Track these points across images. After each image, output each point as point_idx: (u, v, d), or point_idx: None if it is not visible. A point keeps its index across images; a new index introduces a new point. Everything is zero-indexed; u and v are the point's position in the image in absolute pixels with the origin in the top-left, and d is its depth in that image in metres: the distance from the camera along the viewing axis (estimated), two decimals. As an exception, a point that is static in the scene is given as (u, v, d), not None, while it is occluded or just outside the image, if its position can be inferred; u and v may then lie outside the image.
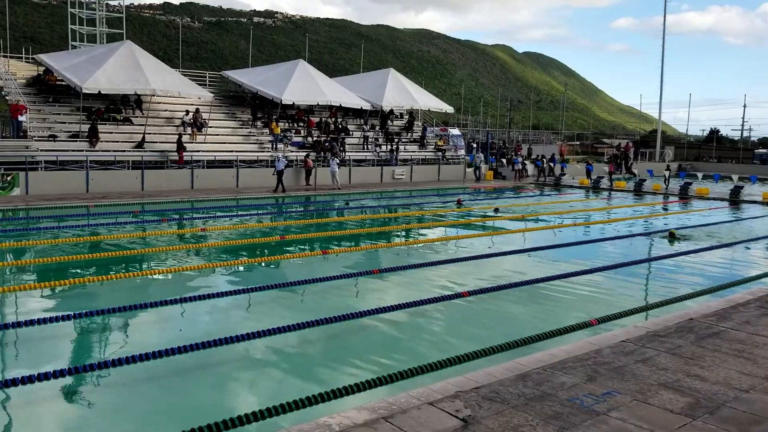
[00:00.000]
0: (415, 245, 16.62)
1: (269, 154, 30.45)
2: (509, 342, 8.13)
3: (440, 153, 37.94)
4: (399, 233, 18.29)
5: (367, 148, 34.87)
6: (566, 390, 6.18)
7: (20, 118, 25.14)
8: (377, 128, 37.47)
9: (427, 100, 39.55)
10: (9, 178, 22.63)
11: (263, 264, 14.04)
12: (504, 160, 41.52)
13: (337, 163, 29.95)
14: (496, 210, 22.94)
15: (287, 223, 19.80)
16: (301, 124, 34.55)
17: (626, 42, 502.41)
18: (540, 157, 43.53)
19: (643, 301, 11.17)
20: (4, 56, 30.35)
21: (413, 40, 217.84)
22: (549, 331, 8.65)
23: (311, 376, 7.54)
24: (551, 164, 39.55)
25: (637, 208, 26.72)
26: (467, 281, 12.28)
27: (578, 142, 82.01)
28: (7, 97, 27.72)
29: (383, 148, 35.17)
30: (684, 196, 31.27)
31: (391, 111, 39.17)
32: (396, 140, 36.40)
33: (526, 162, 40.47)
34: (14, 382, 6.68)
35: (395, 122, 39.85)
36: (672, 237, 17.57)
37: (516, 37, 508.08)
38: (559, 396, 6.03)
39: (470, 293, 11.01)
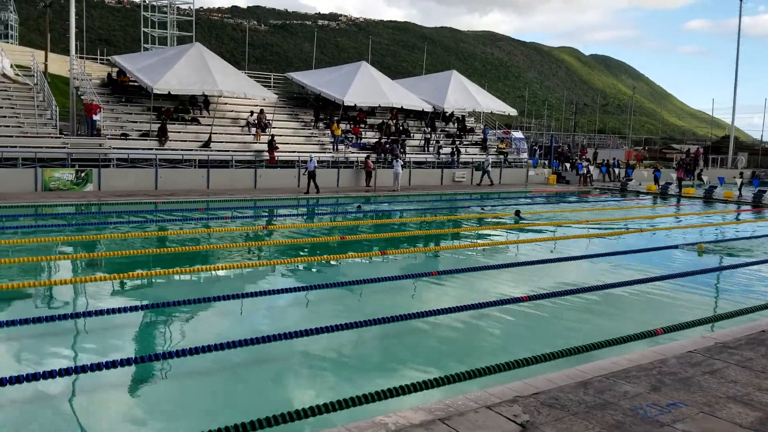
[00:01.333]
0: (473, 248, 16.46)
1: (330, 155, 30.79)
2: (569, 348, 7.93)
3: (502, 156, 37.50)
4: (457, 236, 18.15)
5: (428, 150, 34.80)
6: (629, 399, 5.98)
7: (94, 117, 26.21)
8: (438, 130, 37.34)
9: (489, 103, 39.17)
10: (83, 175, 23.62)
11: (322, 263, 14.17)
12: (568, 165, 40.71)
13: (401, 165, 29.94)
14: (518, 213, 21.54)
15: (346, 224, 19.93)
16: (362, 126, 34.77)
17: (698, 44, 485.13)
18: (605, 162, 42.51)
19: (710, 312, 10.72)
20: (80, 57, 31.69)
21: (477, 42, 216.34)
22: (611, 339, 8.40)
23: (365, 375, 7.55)
24: (617, 169, 38.56)
25: (707, 216, 25.72)
26: (526, 286, 12.06)
27: (646, 147, 79.61)
28: (82, 97, 28.96)
29: (444, 150, 35.01)
30: (758, 204, 29.91)
31: (453, 113, 38.97)
32: (457, 143, 36.18)
33: (591, 166, 39.55)
34: (83, 369, 6.93)
35: (457, 124, 39.62)
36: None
37: (582, 39, 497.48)
38: (622, 405, 5.84)
39: (530, 298, 10.82)
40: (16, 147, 23.47)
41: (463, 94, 37.56)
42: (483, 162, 34.32)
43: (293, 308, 10.40)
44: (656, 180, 36.62)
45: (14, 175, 22.60)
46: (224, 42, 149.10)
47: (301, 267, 13.67)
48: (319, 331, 8.40)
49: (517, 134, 41.70)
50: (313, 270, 13.57)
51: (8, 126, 24.72)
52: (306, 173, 26.77)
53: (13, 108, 25.93)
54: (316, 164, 26.75)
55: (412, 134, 35.72)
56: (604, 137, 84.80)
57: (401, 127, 35.41)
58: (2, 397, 6.42)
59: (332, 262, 14.26)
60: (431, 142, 35.26)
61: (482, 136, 38.73)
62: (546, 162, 40.67)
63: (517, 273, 13.39)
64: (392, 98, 33.73)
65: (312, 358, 8.04)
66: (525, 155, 39.62)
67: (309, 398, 6.63)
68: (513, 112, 41.08)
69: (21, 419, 6.29)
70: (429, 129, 36.61)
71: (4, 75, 25.23)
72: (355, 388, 6.80)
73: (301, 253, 14.92)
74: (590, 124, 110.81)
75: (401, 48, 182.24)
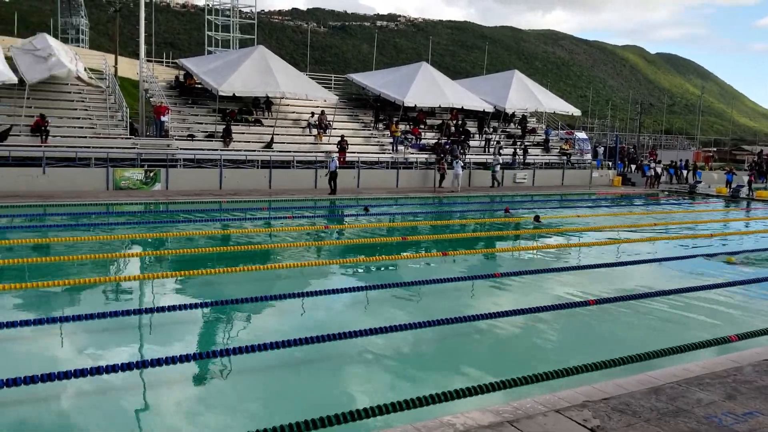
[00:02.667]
0: (536, 250, 16.18)
1: (390, 155, 30.85)
2: (639, 354, 7.71)
3: (565, 157, 36.79)
4: (519, 237, 17.88)
5: (488, 151, 34.46)
6: (703, 407, 5.76)
7: (163, 119, 27.05)
8: (499, 131, 36.93)
9: (552, 103, 38.49)
10: (152, 174, 24.41)
11: (382, 263, 14.19)
12: (633, 166, 39.60)
13: (462, 166, 29.63)
14: (537, 218, 19.94)
15: (406, 224, 19.92)
16: (422, 126, 34.71)
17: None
18: (672, 164, 41.19)
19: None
20: (148, 61, 32.74)
21: (538, 41, 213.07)
22: (682, 345, 8.10)
23: (424, 376, 7.50)
24: (684, 171, 37.29)
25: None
26: (593, 289, 11.77)
27: (715, 149, 76.72)
28: (151, 99, 29.95)
29: (504, 151, 34.60)
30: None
31: (514, 114, 38.49)
32: (519, 143, 35.70)
33: (658, 169, 38.35)
34: (144, 364, 7.18)
35: (518, 125, 39.11)
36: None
37: (649, 37, 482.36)
38: (696, 413, 5.62)
39: (597, 302, 10.56)
40: (89, 147, 24.45)
41: (525, 93, 37.02)
42: (493, 162, 32.47)
43: (351, 307, 10.45)
44: (727, 183, 35.24)
45: (88, 174, 23.55)
46: (284, 44, 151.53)
47: (360, 266, 13.73)
48: (376, 331, 8.40)
49: (581, 135, 40.83)
50: (374, 270, 13.60)
51: (82, 127, 25.78)
52: (327, 173, 26.22)
53: (86, 110, 27.03)
54: (338, 164, 26.29)
55: (472, 135, 35.43)
56: (670, 138, 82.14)
57: (461, 128, 35.17)
58: (68, 389, 6.64)
59: (392, 263, 14.27)
60: (492, 142, 34.89)
61: (544, 137, 38.09)
62: (610, 163, 39.67)
63: (583, 276, 13.09)
64: (452, 98, 33.54)
65: (368, 358, 8.03)
66: (588, 156, 38.75)
67: (368, 398, 6.61)
68: (576, 112, 40.26)
69: (84, 411, 6.49)
70: (490, 129, 36.24)
71: (79, 78, 26.31)
72: (414, 389, 6.77)
73: (361, 253, 14.99)
74: (656, 125, 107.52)
75: (460, 48, 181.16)
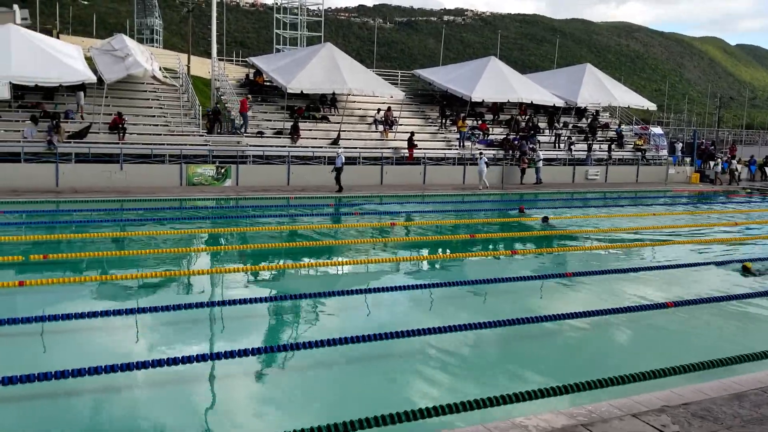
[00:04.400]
0: (609, 249, 15.57)
1: (456, 151, 30.49)
2: (720, 359, 7.36)
3: (639, 153, 35.48)
4: (592, 236, 17.25)
5: (559, 147, 33.59)
6: (792, 417, 5.36)
7: (248, 113, 27.57)
8: (570, 126, 35.95)
9: (626, 97, 37.16)
10: (223, 170, 24.92)
11: (448, 261, 13.97)
12: (712, 163, 37.78)
13: (486, 162, 27.89)
14: (545, 219, 18.66)
15: (472, 221, 19.54)
16: (491, 122, 34.13)
17: None
18: (752, 159, 39.19)
19: None
20: (220, 59, 33.42)
21: (610, 33, 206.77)
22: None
23: (488, 377, 7.38)
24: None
25: None
26: (671, 291, 11.25)
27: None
28: (222, 97, 30.57)
29: (576, 146, 33.65)
30: None
31: (586, 108, 37.38)
32: (592, 138, 34.66)
33: (739, 165, 36.48)
34: (212, 357, 7.35)
35: (590, 119, 37.96)
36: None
37: (729, 28, 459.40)
38: (784, 422, 5.23)
39: (676, 304, 10.06)
40: (163, 144, 25.17)
41: (597, 88, 35.87)
42: (535, 158, 30.69)
43: (414, 305, 10.34)
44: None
45: (162, 170, 24.25)
46: (350, 41, 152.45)
47: (425, 264, 13.58)
48: (441, 330, 8.29)
49: (657, 130, 39.24)
50: (437, 267, 13.41)
51: (157, 125, 26.56)
52: (333, 170, 24.98)
53: (161, 108, 27.82)
54: (344, 161, 25.14)
55: (541, 130, 34.61)
56: (751, 133, 78.17)
57: (531, 123, 34.40)
58: (145, 379, 6.86)
59: (459, 260, 14.03)
60: (562, 138, 33.99)
61: (617, 132, 36.83)
62: (688, 160, 38.00)
63: (659, 277, 12.51)
64: (522, 93, 32.82)
65: (432, 356, 7.92)
66: (664, 152, 37.25)
67: (427, 397, 6.52)
68: (652, 106, 38.74)
69: (155, 401, 6.70)
70: (560, 125, 35.31)
71: (154, 77, 27.08)
72: (478, 389, 6.66)
73: (425, 250, 14.82)
74: (736, 119, 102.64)
75: (529, 42, 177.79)
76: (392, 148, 29.00)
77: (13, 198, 19.51)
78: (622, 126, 38.66)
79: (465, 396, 6.11)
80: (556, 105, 34.25)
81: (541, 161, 30.71)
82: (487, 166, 27.62)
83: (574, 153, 33.15)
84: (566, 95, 34.77)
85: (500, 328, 8.61)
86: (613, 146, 35.05)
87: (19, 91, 24.43)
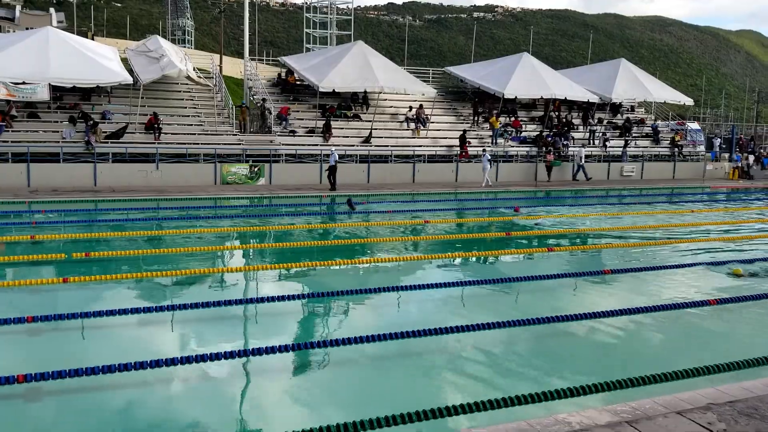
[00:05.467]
0: (648, 246, 15.25)
1: (489, 149, 30.24)
2: (767, 357, 7.19)
3: (676, 149, 34.80)
4: (629, 233, 16.94)
5: (593, 143, 33.12)
6: None
7: (288, 119, 27.85)
8: (605, 122, 35.42)
9: (661, 92, 36.47)
10: (256, 169, 25.11)
11: (479, 258, 13.85)
12: (752, 158, 36.91)
13: (488, 159, 27.05)
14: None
15: (504, 219, 19.35)
16: (523, 119, 33.80)
17: None
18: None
19: None
20: (251, 59, 33.67)
21: (644, 28, 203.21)
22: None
23: (526, 375, 7.33)
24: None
25: None
26: (712, 288, 10.99)
27: None
28: (254, 96, 30.80)
29: (610, 143, 33.14)
30: None
31: (621, 104, 36.80)
32: (627, 135, 34.10)
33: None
34: (245, 353, 7.47)
35: (624, 115, 37.37)
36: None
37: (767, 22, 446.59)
38: (836, 421, 5.07)
39: (719, 301, 9.84)
40: (198, 144, 25.45)
41: (632, 83, 35.27)
42: (576, 154, 30.49)
43: (446, 303, 10.28)
44: None
45: (197, 170, 24.53)
46: (380, 39, 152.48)
47: (456, 261, 13.51)
48: (474, 328, 8.25)
49: (693, 125, 38.43)
50: (468, 265, 13.31)
51: (191, 125, 26.86)
52: (327, 169, 24.43)
53: (195, 108, 28.13)
54: (337, 158, 24.63)
55: (575, 126, 34.16)
56: (792, 127, 76.13)
57: (564, 119, 33.98)
58: (173, 375, 6.95)
59: (491, 258, 13.90)
60: (597, 134, 33.50)
61: (652, 128, 36.17)
62: (726, 155, 37.16)
63: (700, 274, 12.24)
64: (555, 89, 32.41)
65: (464, 354, 7.89)
66: (701, 148, 36.48)
67: (458, 395, 6.50)
68: (688, 101, 37.95)
69: (188, 396, 6.79)
70: (594, 121, 34.80)
71: (188, 77, 27.38)
72: (506, 388, 6.62)
73: (457, 248, 14.74)
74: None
75: (561, 37, 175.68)
76: (439, 145, 28.86)
77: (54, 197, 19.93)
78: (658, 122, 37.97)
79: (502, 393, 6.07)
80: (590, 101, 33.75)
81: (582, 158, 30.22)
82: (490, 164, 27.13)
83: (608, 149, 32.66)
84: (600, 91, 34.26)
85: (537, 325, 8.53)
86: (643, 142, 34.44)
87: (57, 92, 24.91)
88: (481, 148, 28.36)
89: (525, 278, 11.31)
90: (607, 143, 32.90)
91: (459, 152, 28.95)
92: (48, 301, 9.83)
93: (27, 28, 47.33)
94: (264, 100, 28.83)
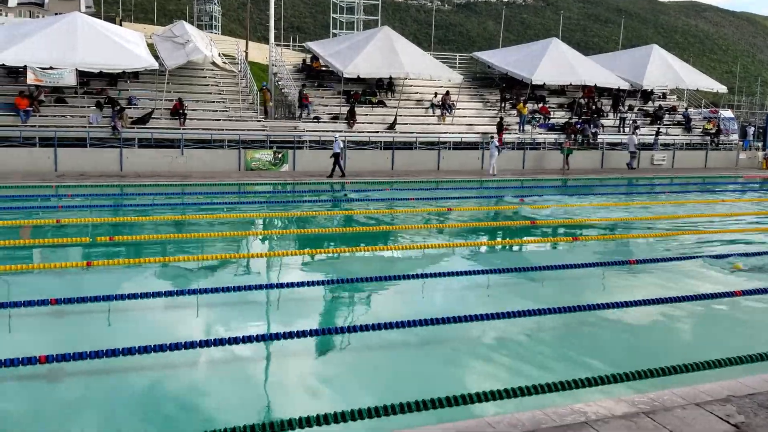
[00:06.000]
0: (674, 236, 14.90)
1: (516, 136, 29.88)
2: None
3: (708, 137, 34.02)
4: (656, 223, 16.59)
5: (623, 131, 32.52)
6: None
7: (309, 106, 27.83)
8: (636, 109, 34.74)
9: (695, 79, 35.62)
10: (280, 156, 25.11)
11: (505, 246, 13.66)
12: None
13: (496, 147, 26.13)
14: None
15: (532, 207, 19.09)
16: (552, 106, 33.30)
17: None
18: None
19: None
20: (277, 45, 33.60)
21: (678, 13, 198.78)
22: None
23: (546, 363, 7.23)
24: None
25: None
26: (737, 279, 10.73)
27: None
28: (279, 82, 30.77)
29: (641, 131, 32.50)
30: None
31: (652, 91, 36.05)
32: (659, 122, 33.42)
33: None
34: (267, 338, 7.50)
35: (656, 102, 36.63)
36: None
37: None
38: None
39: (744, 293, 9.60)
40: (222, 130, 25.53)
41: (664, 69, 34.49)
42: (627, 142, 29.65)
43: (471, 291, 10.19)
44: None
45: (221, 156, 24.62)
46: (407, 24, 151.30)
47: (482, 249, 13.35)
48: (502, 316, 8.20)
49: (727, 113, 37.53)
50: (495, 253, 13.14)
51: (216, 111, 26.94)
52: (332, 155, 23.79)
53: (220, 94, 28.19)
54: (342, 145, 24.08)
55: (605, 113, 33.56)
56: (831, 116, 73.94)
57: (594, 106, 33.39)
58: (198, 359, 7.00)
59: (515, 246, 13.72)
60: (627, 122, 32.87)
61: (684, 116, 35.39)
62: (760, 144, 36.23)
63: (727, 266, 11.91)
64: (584, 76, 31.83)
65: (487, 342, 7.83)
66: (735, 137, 35.60)
67: (486, 382, 6.41)
68: (722, 88, 37.00)
69: (214, 380, 6.81)
70: (625, 108, 34.15)
71: (214, 63, 27.43)
72: (530, 376, 6.54)
73: (482, 236, 14.56)
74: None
75: (592, 22, 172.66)
76: (471, 132, 28.44)
77: (81, 182, 20.15)
78: (690, 109, 37.14)
79: (522, 382, 6.04)
80: (621, 87, 33.10)
81: (635, 145, 29.55)
82: (498, 151, 26.31)
83: (639, 137, 32.03)
84: (632, 77, 33.57)
85: (559, 315, 8.43)
86: (675, 130, 33.71)
87: (84, 77, 25.13)
88: (489, 135, 27.79)
89: (549, 267, 11.18)
90: (637, 131, 32.27)
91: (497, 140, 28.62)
92: (72, 283, 9.92)
93: (56, 14, 47.88)
94: (304, 86, 28.82)
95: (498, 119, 29.34)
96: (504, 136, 28.40)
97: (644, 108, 35.81)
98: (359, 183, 22.63)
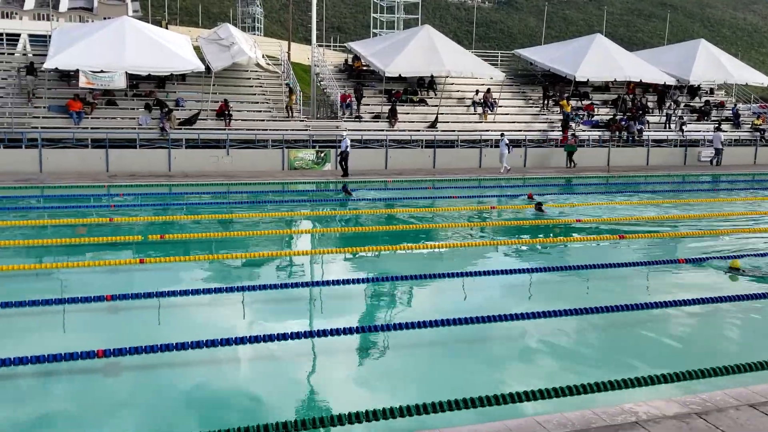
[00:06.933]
0: (722, 235, 14.56)
1: (558, 133, 29.56)
2: None
3: (758, 133, 33.06)
4: (703, 221, 16.24)
5: (669, 127, 31.85)
6: None
7: (351, 104, 28.03)
8: (682, 105, 33.98)
9: (743, 74, 34.60)
10: (322, 155, 25.37)
11: (547, 245, 13.57)
12: None
13: (506, 144, 25.60)
14: (539, 206, 16.85)
15: (580, 205, 18.89)
16: (596, 102, 32.80)
17: None
18: None
19: None
20: (319, 45, 33.92)
21: (725, 6, 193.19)
22: None
23: (594, 363, 7.21)
24: None
25: None
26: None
27: None
28: (321, 83, 31.07)
29: (688, 127, 31.78)
30: None
31: (699, 86, 35.20)
32: (706, 118, 32.62)
33: None
34: (310, 334, 7.64)
35: (703, 98, 35.75)
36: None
37: None
38: None
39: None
40: (266, 130, 25.93)
41: (712, 64, 33.59)
42: (714, 139, 28.99)
43: (513, 289, 10.16)
44: None
45: (265, 155, 25.02)
46: (448, 22, 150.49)
47: (524, 248, 13.28)
48: (547, 314, 8.16)
49: (777, 108, 36.37)
50: (537, 252, 13.06)
51: (260, 111, 27.36)
52: (338, 154, 23.66)
53: (264, 95, 28.62)
54: (348, 143, 23.53)
55: (651, 110, 32.92)
56: None
57: (639, 103, 32.78)
58: (240, 354, 7.20)
59: (559, 245, 13.61)
60: (673, 118, 32.19)
61: (733, 112, 34.45)
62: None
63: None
64: (629, 71, 31.27)
65: (530, 342, 7.82)
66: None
67: (532, 382, 6.40)
68: (773, 83, 35.86)
69: (255, 375, 7.00)
70: (672, 104, 33.43)
71: (258, 65, 27.85)
72: (574, 376, 6.49)
73: (525, 235, 14.48)
74: None
75: (636, 17, 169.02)
76: (492, 129, 28.44)
77: (131, 181, 20.75)
78: (739, 105, 36.13)
79: (569, 381, 5.99)
80: (667, 83, 32.41)
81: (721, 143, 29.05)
82: (509, 149, 25.68)
83: (685, 134, 31.34)
84: (678, 73, 32.83)
85: (606, 314, 8.36)
86: (723, 127, 32.82)
87: (133, 80, 25.81)
88: (499, 133, 27.00)
89: (594, 266, 11.05)
90: (684, 127, 31.57)
91: (561, 137, 28.67)
92: (126, 280, 10.26)
93: (104, 18, 49.17)
94: (361, 85, 29.23)
95: (563, 116, 29.19)
96: (568, 133, 28.27)
97: (691, 104, 35.00)
98: (401, 181, 22.71)
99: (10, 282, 9.88)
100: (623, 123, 30.27)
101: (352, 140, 26.40)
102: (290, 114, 27.25)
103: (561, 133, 28.55)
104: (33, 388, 6.51)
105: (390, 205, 18.41)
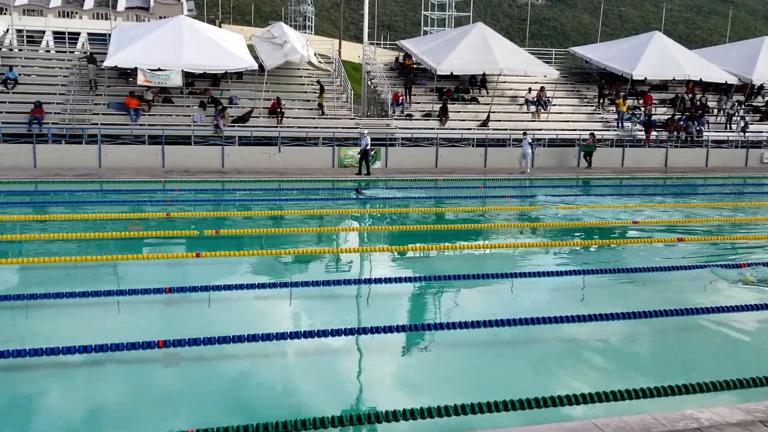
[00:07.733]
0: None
1: (614, 132, 28.91)
2: None
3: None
4: (764, 224, 15.65)
5: (730, 128, 30.79)
6: None
7: (402, 102, 28.07)
8: (744, 105, 32.80)
9: (811, 72, 33.16)
10: (373, 153, 25.39)
11: (600, 247, 13.28)
12: None
13: (530, 143, 25.03)
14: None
15: (628, 206, 18.43)
16: (655, 102, 31.89)
17: None
18: None
19: None
20: (370, 43, 33.98)
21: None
22: None
23: (643, 367, 7.10)
24: None
25: None
26: None
27: None
28: (372, 81, 31.12)
29: (750, 128, 30.64)
30: None
31: (762, 86, 33.90)
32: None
33: None
34: (356, 332, 7.62)
35: (765, 98, 34.41)
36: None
37: None
38: None
39: None
40: (317, 128, 26.14)
41: (777, 63, 32.32)
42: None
43: (563, 291, 10.04)
44: None
45: (316, 153, 25.24)
46: (499, 19, 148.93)
47: (577, 248, 13.04)
48: (602, 318, 8.00)
49: None
50: (588, 253, 12.79)
51: (312, 109, 27.58)
52: (359, 152, 23.48)
53: (315, 92, 28.80)
54: (368, 141, 23.27)
55: (710, 110, 31.88)
56: None
57: (698, 102, 31.78)
58: (289, 349, 7.30)
59: (612, 246, 13.29)
60: (734, 118, 31.09)
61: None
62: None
63: None
64: (689, 70, 30.33)
65: (577, 345, 7.70)
66: None
67: (571, 385, 6.35)
68: (843, 82, 34.24)
69: (303, 370, 7.09)
70: (733, 104, 32.29)
71: (310, 63, 28.09)
72: (620, 380, 6.40)
73: (576, 236, 14.22)
74: None
75: (696, 14, 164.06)
76: (545, 129, 28.00)
77: (186, 177, 21.23)
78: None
79: (622, 386, 5.85)
80: (728, 82, 31.32)
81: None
82: (532, 149, 25.02)
83: (747, 135, 30.24)
84: (740, 72, 31.68)
85: (660, 318, 8.15)
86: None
87: (189, 78, 26.37)
88: (522, 132, 26.32)
89: (651, 269, 10.75)
90: (746, 128, 30.46)
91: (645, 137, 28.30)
92: (183, 274, 10.48)
93: (160, 17, 50.37)
94: (412, 83, 29.19)
95: (647, 115, 28.58)
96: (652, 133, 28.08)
97: (753, 104, 33.73)
98: (452, 180, 22.59)
99: (74, 273, 10.23)
100: (681, 123, 29.39)
101: (402, 138, 26.46)
102: (322, 111, 27.25)
103: (644, 133, 27.92)
104: (94, 374, 6.71)
105: (439, 203, 18.32)
